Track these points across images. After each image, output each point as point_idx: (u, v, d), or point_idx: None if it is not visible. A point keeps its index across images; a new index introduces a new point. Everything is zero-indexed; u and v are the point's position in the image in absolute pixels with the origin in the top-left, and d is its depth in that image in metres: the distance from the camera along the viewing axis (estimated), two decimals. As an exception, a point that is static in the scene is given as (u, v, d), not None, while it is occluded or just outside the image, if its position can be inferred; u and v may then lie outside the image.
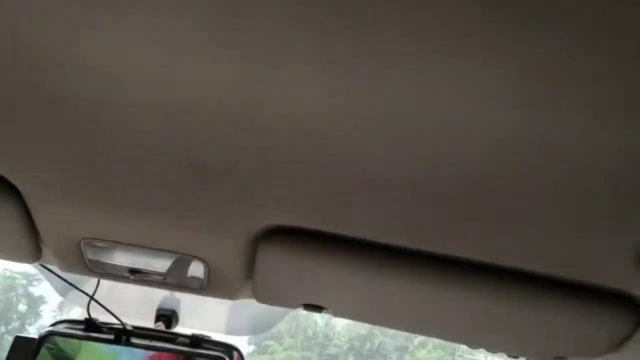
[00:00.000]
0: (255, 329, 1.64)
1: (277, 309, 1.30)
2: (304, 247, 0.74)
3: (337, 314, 0.99)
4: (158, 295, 1.21)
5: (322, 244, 0.74)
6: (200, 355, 1.03)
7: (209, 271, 0.85)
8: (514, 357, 1.13)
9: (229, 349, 1.07)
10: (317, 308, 0.94)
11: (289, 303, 0.96)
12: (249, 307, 1.36)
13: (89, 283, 1.10)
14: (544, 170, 0.54)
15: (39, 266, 1.02)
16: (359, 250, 0.74)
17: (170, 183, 0.66)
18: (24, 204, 0.75)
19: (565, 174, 0.54)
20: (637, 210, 0.58)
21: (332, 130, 0.54)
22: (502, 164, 0.55)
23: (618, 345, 0.83)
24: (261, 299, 0.95)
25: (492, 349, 1.06)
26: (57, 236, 0.82)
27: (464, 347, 1.12)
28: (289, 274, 0.82)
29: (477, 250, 0.70)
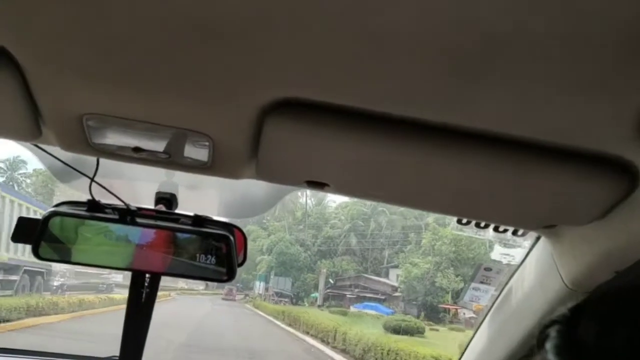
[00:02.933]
0: (244, 213, 1.74)
1: (269, 194, 1.39)
2: (309, 121, 0.83)
3: (339, 190, 1.08)
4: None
5: (327, 117, 0.83)
6: (205, 233, 1.11)
7: (213, 148, 0.91)
8: (502, 232, 1.21)
9: (229, 227, 1.16)
10: (320, 185, 1.01)
11: (293, 180, 1.04)
12: (240, 192, 1.45)
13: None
14: (552, 24, 0.57)
15: (38, 149, 1.06)
16: (362, 124, 0.86)
17: (174, 52, 0.70)
18: (23, 77, 0.79)
19: (575, 29, 0.59)
20: None
21: None
22: (505, 18, 0.57)
23: (608, 211, 0.89)
24: (265, 176, 1.02)
25: (483, 219, 1.14)
26: (57, 112, 0.88)
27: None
28: (293, 149, 0.89)
29: (476, 116, 0.79)
